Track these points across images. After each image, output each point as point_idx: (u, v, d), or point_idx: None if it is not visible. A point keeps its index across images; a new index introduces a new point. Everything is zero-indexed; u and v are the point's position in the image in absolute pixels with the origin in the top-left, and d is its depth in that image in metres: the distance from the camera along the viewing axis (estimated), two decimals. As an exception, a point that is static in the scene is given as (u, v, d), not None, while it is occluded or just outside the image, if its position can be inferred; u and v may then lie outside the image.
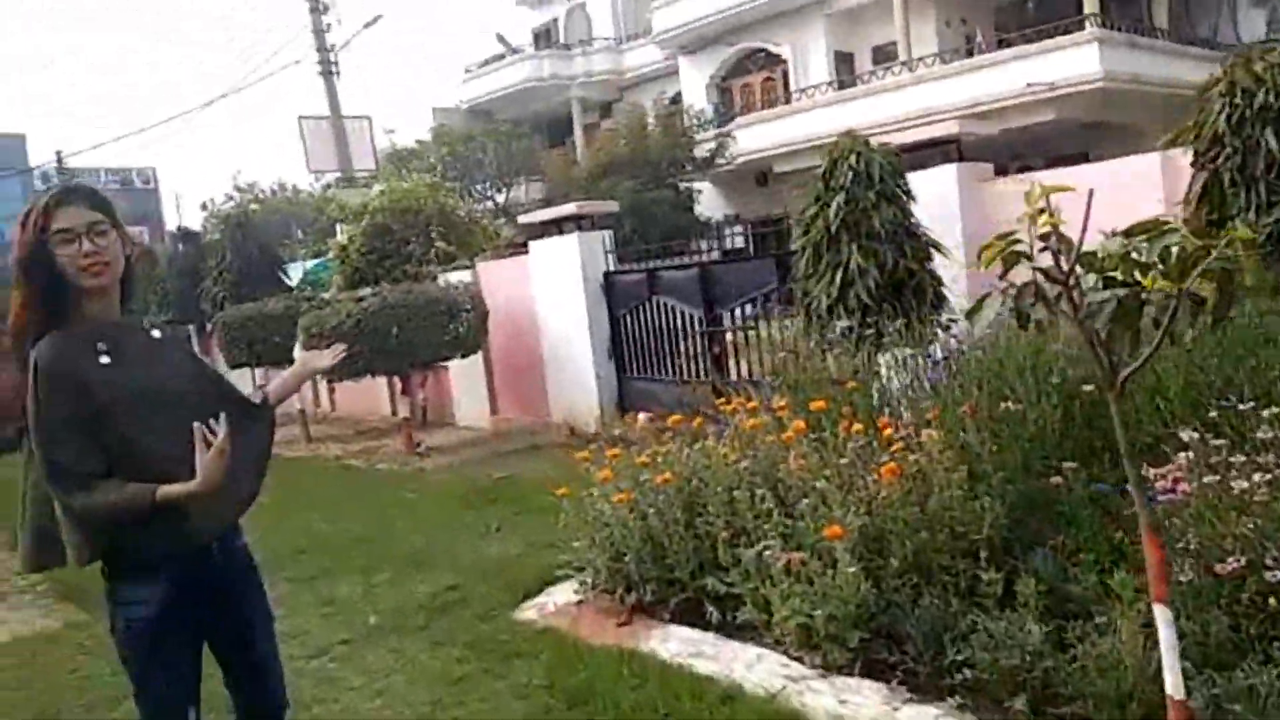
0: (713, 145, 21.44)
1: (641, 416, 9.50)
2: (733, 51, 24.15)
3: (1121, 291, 2.08)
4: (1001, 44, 19.07)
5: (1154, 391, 3.97)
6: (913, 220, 5.88)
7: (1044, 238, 2.41)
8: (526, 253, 10.40)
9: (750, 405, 4.64)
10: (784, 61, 23.29)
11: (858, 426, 4.15)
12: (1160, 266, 2.02)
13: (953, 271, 6.18)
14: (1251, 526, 2.89)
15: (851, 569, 3.34)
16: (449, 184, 16.83)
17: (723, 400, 4.77)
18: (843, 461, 3.89)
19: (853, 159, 5.76)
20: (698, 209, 21.36)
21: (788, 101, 22.24)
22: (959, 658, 3.11)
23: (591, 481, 4.48)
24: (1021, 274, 2.33)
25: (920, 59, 19.29)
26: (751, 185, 22.75)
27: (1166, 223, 2.13)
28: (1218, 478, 3.06)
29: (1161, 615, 2.27)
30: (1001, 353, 4.34)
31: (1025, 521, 3.82)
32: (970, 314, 2.52)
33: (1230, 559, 2.91)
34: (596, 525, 4.27)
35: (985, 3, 21.16)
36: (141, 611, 2.21)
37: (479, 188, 22.66)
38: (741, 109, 23.40)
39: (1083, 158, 15.31)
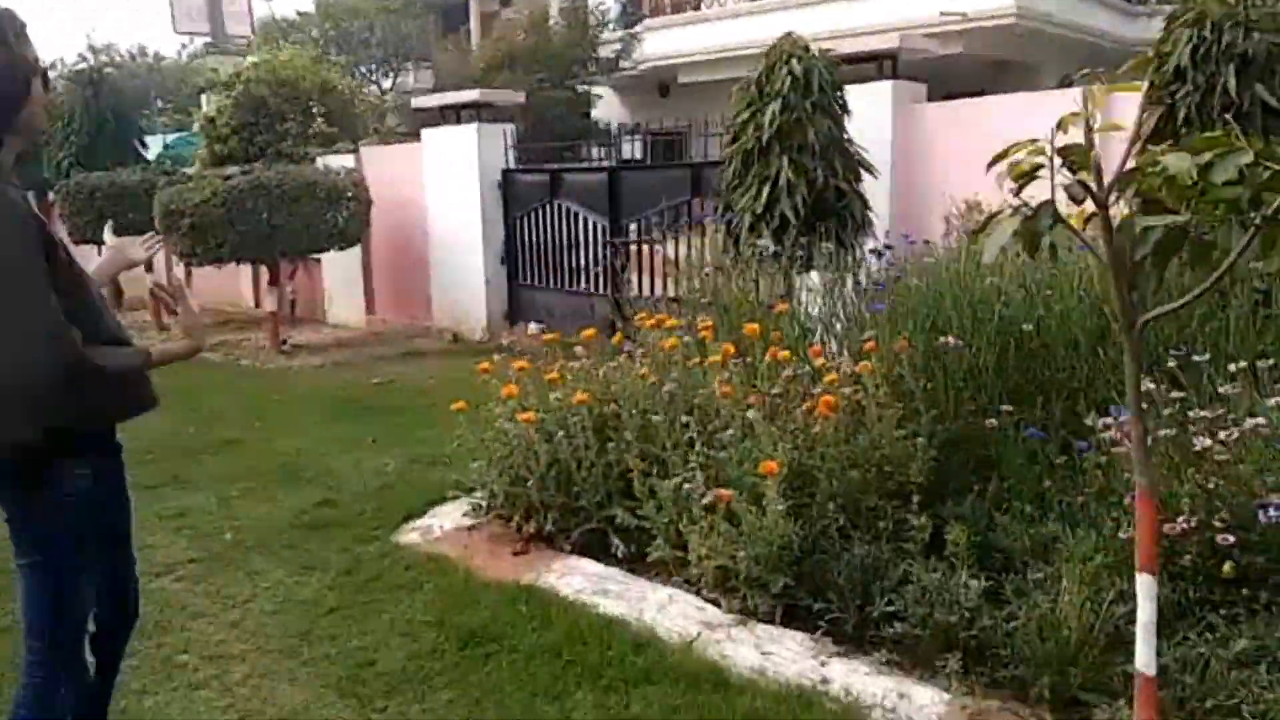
0: (618, 47, 20.56)
1: (532, 327, 9.05)
2: (643, -51, 23.07)
3: (1176, 217, 1.75)
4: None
5: (1100, 336, 3.77)
6: (846, 136, 5.53)
7: (1063, 152, 2.05)
8: (418, 141, 9.63)
9: (669, 324, 4.25)
10: (696, -34, 22.40)
11: (785, 354, 3.84)
12: (1232, 189, 1.68)
13: (877, 195, 5.91)
14: (1212, 485, 2.71)
15: (780, 508, 3.03)
16: (332, 61, 15.52)
17: (642, 316, 4.35)
18: (774, 391, 3.57)
19: (793, 63, 5.34)
20: (595, 114, 20.57)
21: (697, 7, 21.47)
22: (889, 609, 2.87)
23: (490, 395, 4.03)
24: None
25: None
26: (654, 94, 22.02)
27: (1230, 139, 1.80)
28: (1173, 432, 2.87)
29: (1145, 586, 2.03)
30: (941, 284, 4.08)
31: (954, 464, 3.62)
32: (976, 233, 2.17)
33: (1180, 519, 2.74)
34: (496, 444, 3.84)
35: (902, -73, 20.73)
36: (85, 486, 2.03)
37: (364, 69, 21.14)
38: (650, 11, 22.48)
39: (980, 94, 15.32)
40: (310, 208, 8.60)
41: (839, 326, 4.58)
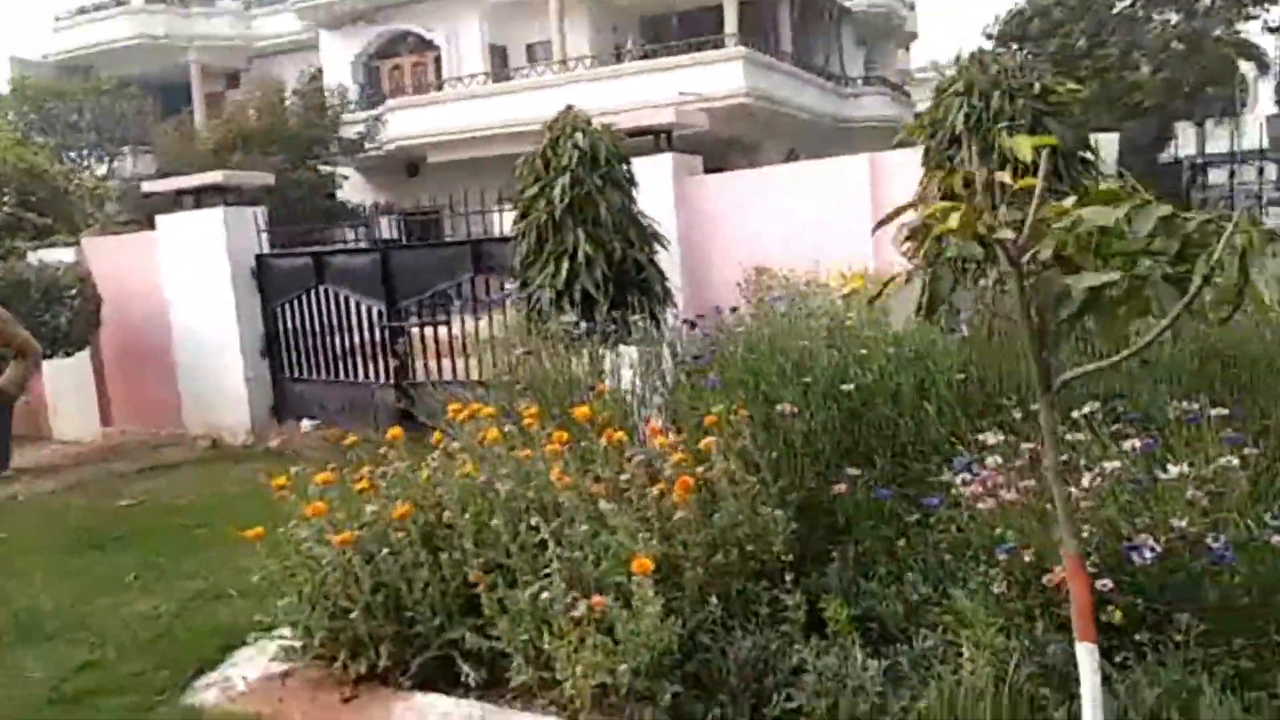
0: (361, 128, 19.96)
1: (305, 424, 8.30)
2: (381, 30, 22.73)
3: (1107, 275, 1.70)
4: (647, 55, 19.74)
5: (920, 389, 3.85)
6: (637, 209, 5.47)
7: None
8: (149, 229, 8.67)
9: (485, 412, 3.90)
10: (437, 48, 22.34)
11: (619, 434, 3.62)
12: (1163, 242, 1.65)
13: (668, 266, 5.90)
14: (1086, 533, 2.74)
15: (656, 609, 2.77)
16: (37, 144, 13.87)
17: (454, 407, 3.98)
18: (623, 477, 3.32)
19: (577, 137, 5.22)
20: (342, 195, 19.77)
21: (440, 88, 21.34)
22: (789, 705, 2.67)
23: (279, 512, 3.49)
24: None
25: (574, 59, 19.38)
26: (402, 174, 21.55)
27: (1126, 194, 1.79)
28: (1033, 482, 2.91)
29: (1086, 657, 1.96)
30: (761, 352, 4.03)
31: (806, 534, 3.52)
32: (872, 301, 2.06)
33: (1057, 569, 2.75)
34: (304, 572, 3.31)
35: (634, 12, 21.79)
36: None
37: (74, 155, 19.13)
38: (391, 91, 22.07)
39: (717, 170, 16.25)
40: (23, 309, 7.45)
41: (658, 400, 4.44)
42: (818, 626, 2.98)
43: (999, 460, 3.03)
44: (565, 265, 5.13)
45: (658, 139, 6.26)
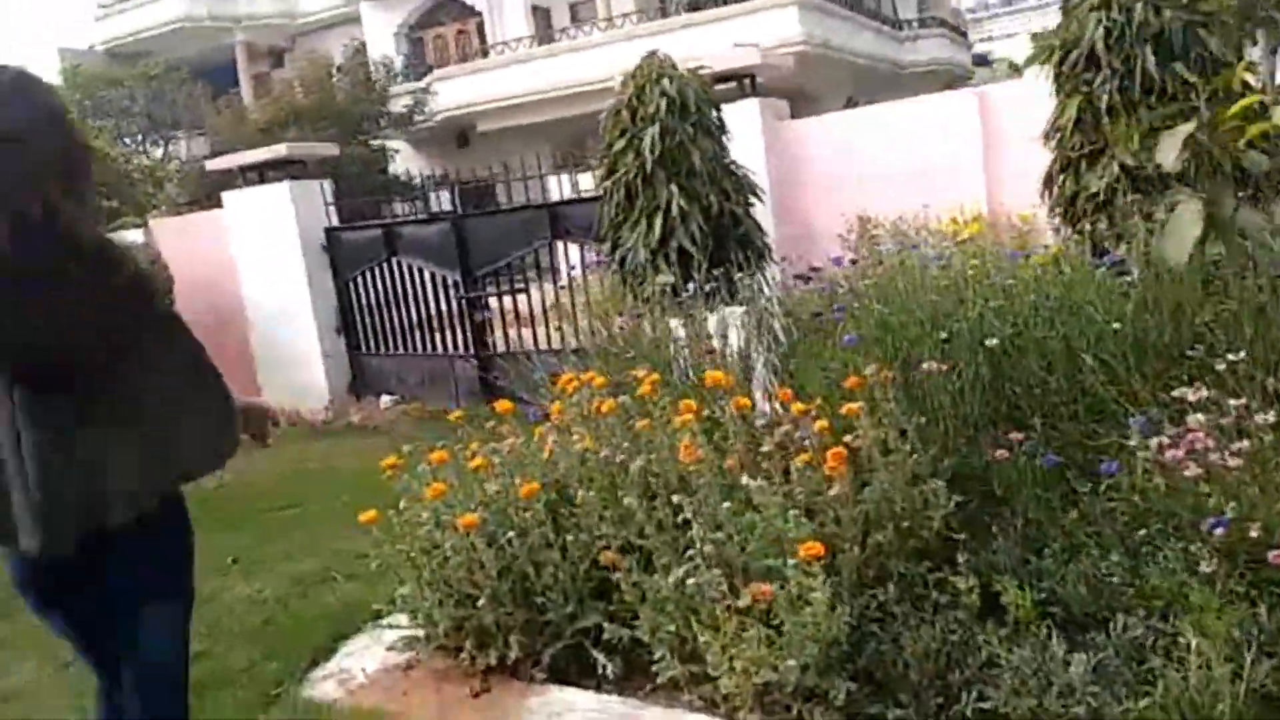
0: (410, 100, 19.72)
1: (384, 399, 8.15)
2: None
3: None
4: (695, 7, 19.15)
5: (1073, 341, 3.48)
6: (730, 159, 5.14)
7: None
8: (210, 209, 8.54)
9: (597, 382, 3.63)
10: (478, 13, 21.98)
11: (744, 401, 3.33)
12: None
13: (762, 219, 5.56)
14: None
15: (824, 596, 2.48)
16: (95, 127, 13.87)
17: (558, 378, 3.72)
18: (763, 449, 3.03)
19: (664, 83, 4.89)
20: (394, 169, 19.61)
21: (484, 54, 21.01)
22: (981, 705, 2.36)
23: (401, 496, 3.27)
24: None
25: (619, 16, 18.91)
26: (452, 145, 21.31)
27: None
28: (1247, 442, 2.56)
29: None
30: (897, 304, 3.69)
31: (961, 507, 3.19)
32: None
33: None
34: (423, 558, 3.09)
35: (680, -36, 21.14)
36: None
37: (129, 140, 19.20)
38: (436, 61, 21.79)
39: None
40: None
41: (774, 363, 4.13)
42: (991, 612, 2.68)
43: (1201, 419, 2.67)
44: (659, 222, 4.83)
45: (741, 84, 5.89)
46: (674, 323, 4.12)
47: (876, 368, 3.29)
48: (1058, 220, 4.33)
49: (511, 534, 2.94)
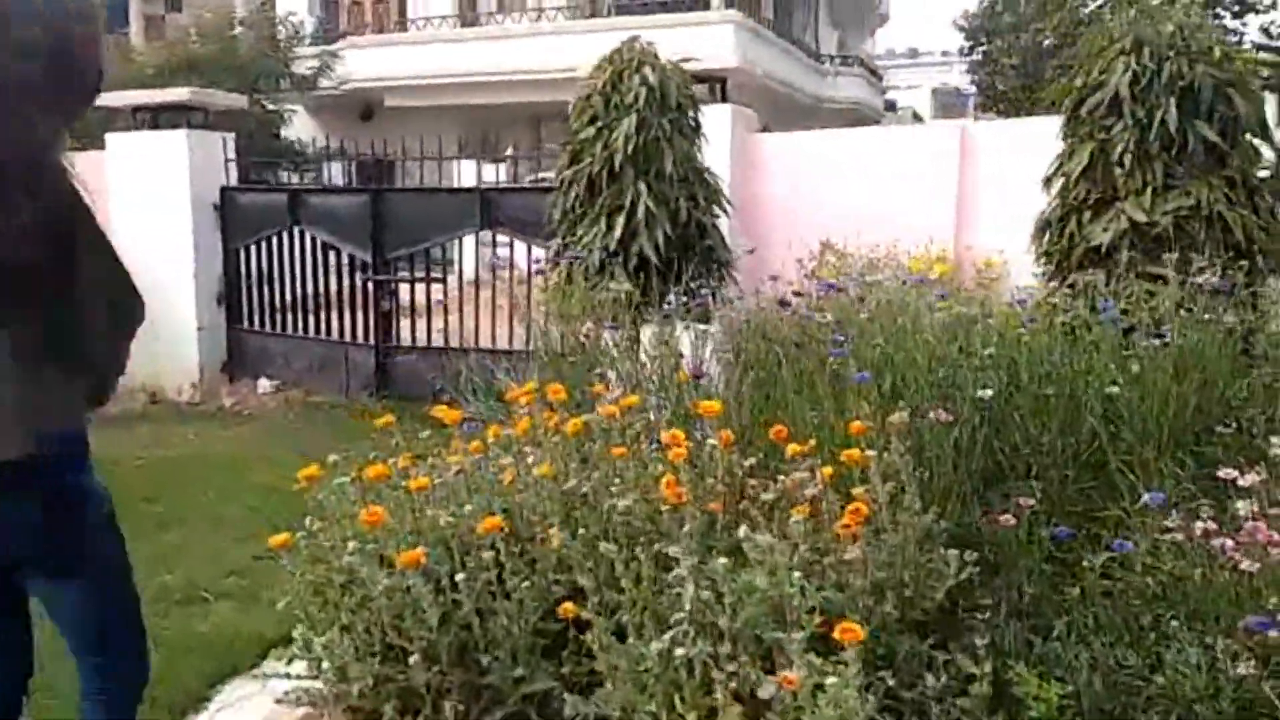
0: (314, 64, 18.62)
1: (263, 383, 7.36)
2: (342, -40, 21.33)
3: None
4: (620, 10, 18.82)
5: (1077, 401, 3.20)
6: (704, 164, 4.72)
7: None
8: (95, 150, 7.58)
9: (557, 395, 3.12)
10: (401, -15, 21.05)
11: (728, 435, 2.90)
12: None
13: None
14: None
15: (854, 686, 2.06)
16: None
17: (514, 389, 3.19)
18: (765, 497, 2.60)
19: (645, 72, 4.43)
20: (286, 134, 18.45)
21: (404, 28, 20.11)
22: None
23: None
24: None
25: (550, 9, 18.41)
26: (354, 117, 20.26)
27: None
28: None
29: None
30: (900, 342, 3.33)
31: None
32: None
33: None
34: (344, 597, 2.51)
35: (611, -35, 20.77)
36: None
37: None
38: (350, 29, 20.74)
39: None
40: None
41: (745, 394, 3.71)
42: (1000, 702, 2.33)
43: (1253, 507, 2.38)
44: (620, 222, 4.36)
45: (713, 89, 5.50)
46: (646, 333, 3.66)
47: (888, 413, 2.91)
48: (1043, 270, 4.09)
49: (461, 576, 2.40)
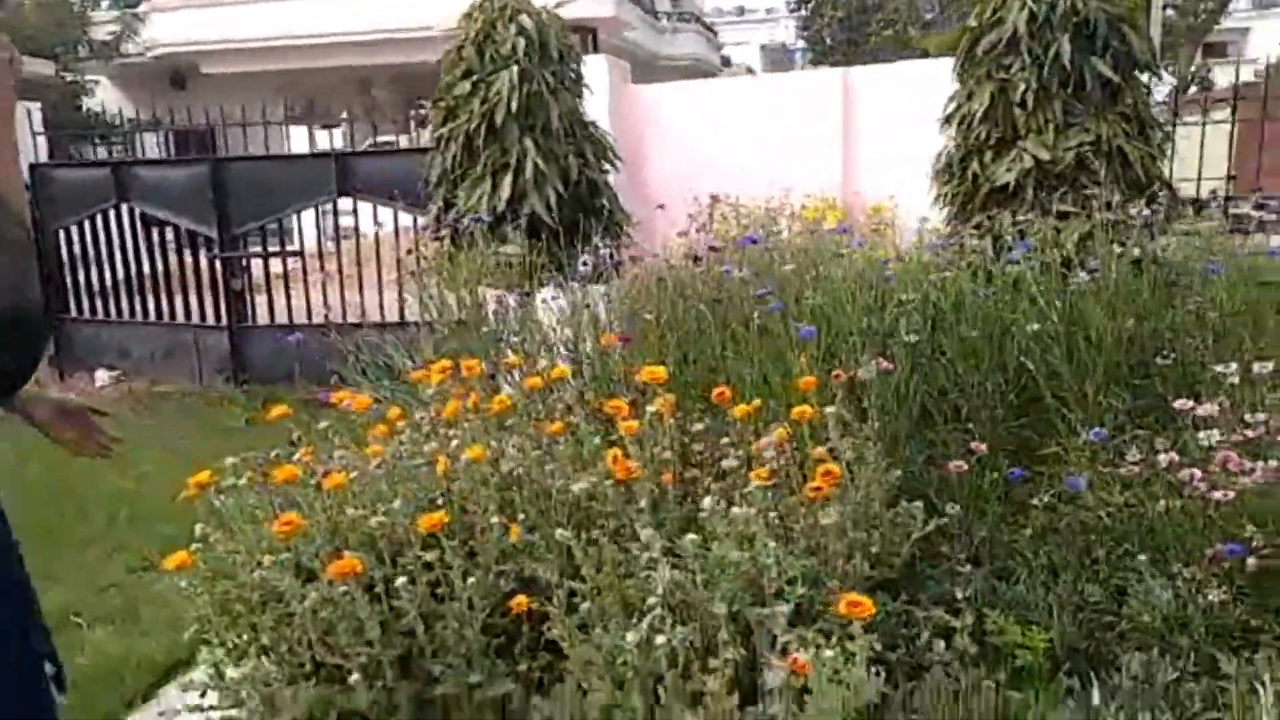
0: (116, 28, 17.03)
1: (101, 374, 6.64)
2: (137, -85, 19.48)
3: None
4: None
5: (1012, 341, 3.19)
6: (589, 117, 4.47)
7: None
8: None
9: (473, 371, 2.84)
10: (208, -59, 19.41)
11: (670, 399, 2.71)
12: None
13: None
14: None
15: (863, 659, 1.92)
16: None
17: (428, 365, 2.88)
18: (726, 463, 2.42)
19: (523, 20, 4.12)
20: (90, 104, 16.82)
21: (217, -13, 18.64)
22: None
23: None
24: None
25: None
26: (165, 85, 18.68)
27: None
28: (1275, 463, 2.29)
29: None
30: (833, 294, 3.21)
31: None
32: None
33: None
34: (263, 615, 2.18)
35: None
36: None
37: None
38: (155, -11, 19.06)
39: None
40: None
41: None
42: (982, 653, 2.27)
43: (1216, 436, 2.39)
44: (507, 180, 4.06)
45: (585, 39, 5.22)
46: (546, 294, 3.40)
47: (829, 366, 2.80)
48: (945, 211, 4.08)
49: (401, 580, 2.11)
